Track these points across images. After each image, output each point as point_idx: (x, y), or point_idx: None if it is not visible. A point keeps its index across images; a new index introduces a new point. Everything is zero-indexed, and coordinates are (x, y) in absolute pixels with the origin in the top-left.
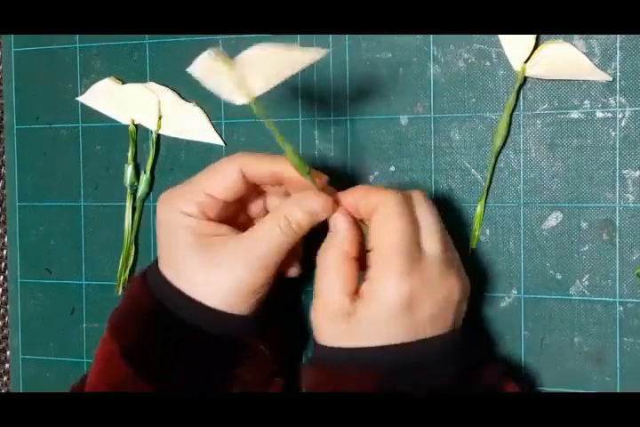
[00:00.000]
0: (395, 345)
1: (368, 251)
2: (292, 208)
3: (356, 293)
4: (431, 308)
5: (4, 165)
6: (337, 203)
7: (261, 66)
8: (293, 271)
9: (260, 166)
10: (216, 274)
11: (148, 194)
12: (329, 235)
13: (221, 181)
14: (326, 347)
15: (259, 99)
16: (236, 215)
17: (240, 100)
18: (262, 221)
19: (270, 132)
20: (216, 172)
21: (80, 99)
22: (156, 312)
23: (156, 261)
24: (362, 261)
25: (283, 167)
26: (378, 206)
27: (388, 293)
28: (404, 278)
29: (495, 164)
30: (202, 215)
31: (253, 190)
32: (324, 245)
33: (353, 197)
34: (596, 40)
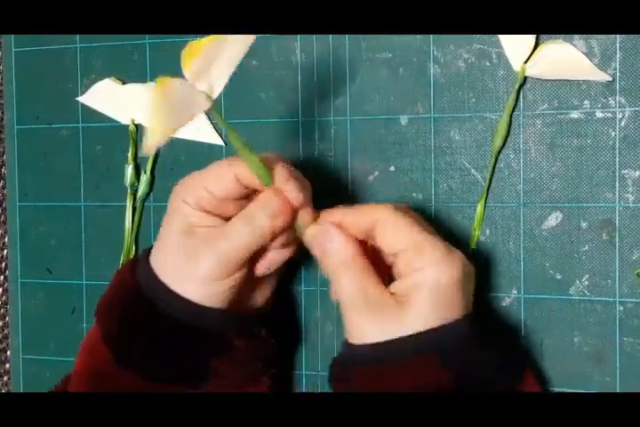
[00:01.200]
0: (449, 324)
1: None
2: (255, 210)
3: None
4: (472, 284)
5: (4, 165)
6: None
7: (207, 68)
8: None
9: (250, 173)
10: (189, 263)
11: (148, 194)
12: (326, 255)
13: (216, 180)
14: (366, 345)
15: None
16: (237, 210)
17: (200, 109)
18: (233, 218)
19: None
20: (213, 171)
21: (80, 99)
22: (136, 300)
23: (149, 249)
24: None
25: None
26: (378, 217)
27: (446, 272)
28: (452, 256)
29: (495, 164)
30: (198, 207)
31: (254, 190)
32: (328, 261)
33: (336, 216)
34: (596, 40)
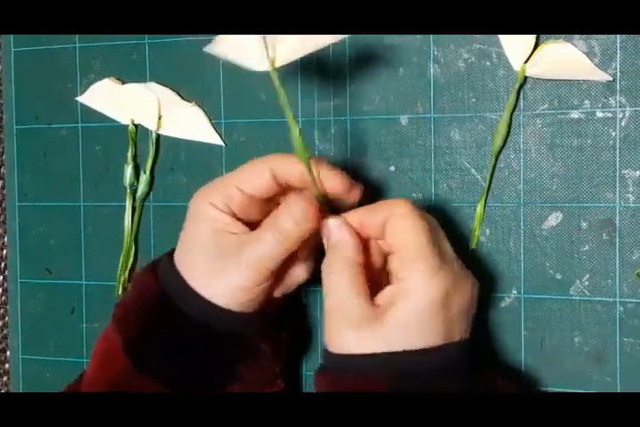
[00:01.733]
0: (423, 349)
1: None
2: (282, 215)
3: (371, 299)
4: (459, 308)
5: (3, 164)
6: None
7: (287, 37)
8: (300, 276)
9: (289, 168)
10: (219, 270)
11: (147, 194)
12: (330, 247)
13: (251, 177)
14: (341, 355)
15: (279, 70)
16: (265, 214)
17: (262, 66)
18: (261, 226)
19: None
20: (248, 168)
21: (80, 99)
22: (162, 304)
23: (170, 253)
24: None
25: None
26: (392, 213)
27: (425, 289)
28: (439, 274)
29: (495, 164)
30: (227, 209)
31: (284, 190)
32: (328, 257)
33: (357, 215)
34: (597, 40)
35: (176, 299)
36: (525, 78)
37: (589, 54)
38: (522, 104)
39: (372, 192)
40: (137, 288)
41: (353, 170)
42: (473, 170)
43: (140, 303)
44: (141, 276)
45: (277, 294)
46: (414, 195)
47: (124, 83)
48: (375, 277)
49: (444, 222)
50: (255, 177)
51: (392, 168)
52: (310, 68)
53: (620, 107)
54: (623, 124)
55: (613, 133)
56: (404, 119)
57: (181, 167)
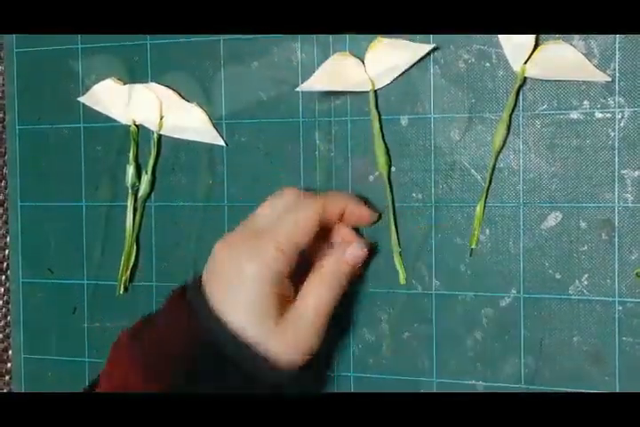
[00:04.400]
0: None
1: None
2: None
3: None
4: None
5: (5, 165)
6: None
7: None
8: None
9: (334, 209)
10: (268, 330)
11: (149, 194)
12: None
13: (299, 231)
14: None
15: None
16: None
17: (363, 87)
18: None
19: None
20: (294, 224)
21: (81, 99)
22: (200, 343)
23: (199, 280)
24: None
25: (351, 204)
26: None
27: None
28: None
29: (495, 164)
30: (277, 273)
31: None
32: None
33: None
34: (596, 41)
35: (218, 342)
36: (525, 79)
37: (588, 55)
38: (521, 105)
39: (373, 192)
40: (167, 315)
41: (353, 170)
42: (473, 170)
43: (171, 333)
44: (171, 302)
45: None
46: (414, 195)
47: (125, 83)
48: None
49: (444, 222)
50: (302, 231)
51: (392, 168)
52: (310, 68)
53: (618, 107)
54: (622, 124)
55: (612, 134)
56: (403, 119)
57: (182, 167)
